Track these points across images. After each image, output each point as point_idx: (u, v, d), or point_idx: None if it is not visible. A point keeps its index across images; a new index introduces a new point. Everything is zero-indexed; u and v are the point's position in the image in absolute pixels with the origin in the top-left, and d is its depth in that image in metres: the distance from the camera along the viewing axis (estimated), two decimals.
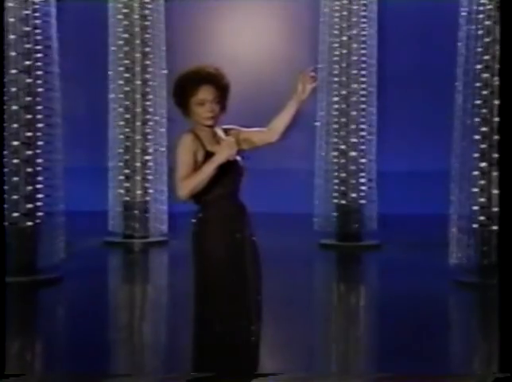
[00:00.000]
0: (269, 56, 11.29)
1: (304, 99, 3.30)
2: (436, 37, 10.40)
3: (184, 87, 3.25)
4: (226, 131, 3.36)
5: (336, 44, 8.66)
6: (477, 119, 6.49)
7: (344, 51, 8.63)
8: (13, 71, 6.55)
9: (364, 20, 8.63)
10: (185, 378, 3.13)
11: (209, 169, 3.15)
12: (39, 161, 6.67)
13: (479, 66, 6.50)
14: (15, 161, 6.54)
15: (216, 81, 3.26)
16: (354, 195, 8.59)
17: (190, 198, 3.21)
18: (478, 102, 6.48)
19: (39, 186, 6.65)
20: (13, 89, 6.53)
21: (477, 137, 6.50)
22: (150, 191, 8.72)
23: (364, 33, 8.63)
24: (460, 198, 6.63)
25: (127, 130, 8.72)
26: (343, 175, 8.64)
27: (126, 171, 8.70)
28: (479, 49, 6.48)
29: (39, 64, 6.66)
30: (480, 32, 6.49)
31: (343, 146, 8.67)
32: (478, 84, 6.49)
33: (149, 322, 5.82)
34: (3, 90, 6.25)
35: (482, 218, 6.47)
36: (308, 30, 10.42)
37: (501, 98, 5.81)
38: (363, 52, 8.65)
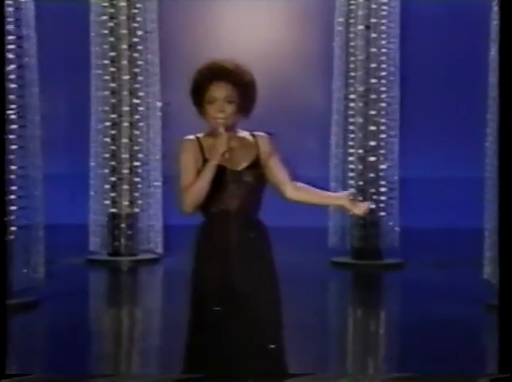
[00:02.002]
0: (276, 51, 11.26)
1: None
2: (465, 36, 10.38)
3: (196, 83, 3.28)
4: (253, 137, 3.33)
5: (352, 35, 8.55)
6: None
7: (361, 42, 8.53)
8: None
9: (384, 7, 8.55)
10: (176, 379, 3.23)
11: (205, 175, 3.17)
12: (12, 167, 6.57)
13: None
14: None
15: (232, 77, 3.24)
16: (372, 206, 8.49)
17: (195, 210, 3.24)
18: None
19: (12, 197, 6.54)
20: None
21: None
22: (139, 202, 8.67)
23: (384, 21, 8.53)
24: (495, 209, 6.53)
25: (113, 132, 8.65)
26: (361, 183, 8.55)
27: (112, 179, 8.64)
28: None
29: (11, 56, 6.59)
30: None
31: (360, 151, 8.56)
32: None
33: (136, 354, 5.74)
34: (3, 89, 6.18)
35: None
36: (319, 19, 10.38)
37: (501, 98, 5.75)
38: (383, 43, 8.55)
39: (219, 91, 3.23)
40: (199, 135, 3.32)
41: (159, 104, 8.71)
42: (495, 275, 6.50)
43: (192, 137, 3.31)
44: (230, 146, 3.21)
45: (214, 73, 3.24)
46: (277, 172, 3.34)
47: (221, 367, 3.21)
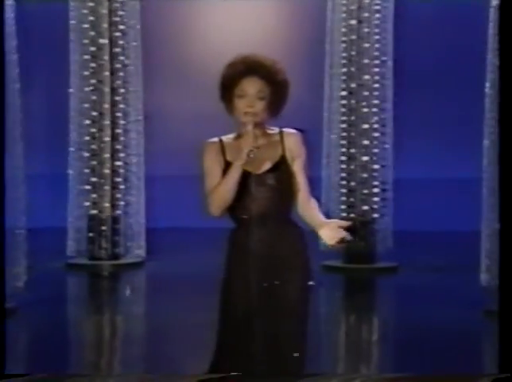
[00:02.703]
0: (263, 47, 11.23)
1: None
2: (462, 33, 10.39)
3: (227, 77, 3.27)
4: (281, 134, 3.31)
5: (344, 29, 8.51)
6: None
7: (353, 36, 8.48)
8: None
9: (378, 1, 8.52)
10: (198, 378, 3.29)
11: (231, 177, 3.19)
12: None
13: None
14: None
15: (265, 73, 3.23)
16: (365, 207, 8.46)
17: (223, 213, 3.27)
18: None
19: None
20: None
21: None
22: (121, 203, 8.62)
23: (378, 15, 8.50)
24: (494, 211, 6.52)
25: (94, 130, 8.58)
26: (353, 184, 8.50)
27: (93, 180, 8.56)
28: None
29: None
30: None
31: (352, 150, 8.51)
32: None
33: (117, 362, 5.71)
34: (3, 90, 6.13)
35: None
36: (309, 14, 10.37)
37: (501, 98, 5.75)
38: (376, 37, 8.52)
39: (252, 86, 3.22)
40: (224, 137, 3.33)
41: (140, 118, 8.67)
42: (493, 282, 6.49)
43: (215, 139, 3.33)
44: (257, 145, 3.20)
45: (248, 67, 3.23)
46: (297, 179, 3.30)
47: (243, 366, 3.24)
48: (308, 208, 3.30)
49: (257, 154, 3.22)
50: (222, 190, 3.22)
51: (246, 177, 3.23)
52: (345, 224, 3.24)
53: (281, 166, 3.28)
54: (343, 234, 3.17)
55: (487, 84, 6.69)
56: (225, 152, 3.29)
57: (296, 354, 3.25)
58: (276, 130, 3.34)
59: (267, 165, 3.27)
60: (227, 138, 3.34)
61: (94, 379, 4.12)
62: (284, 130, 3.33)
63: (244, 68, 3.24)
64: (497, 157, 6.57)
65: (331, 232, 3.19)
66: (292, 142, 3.31)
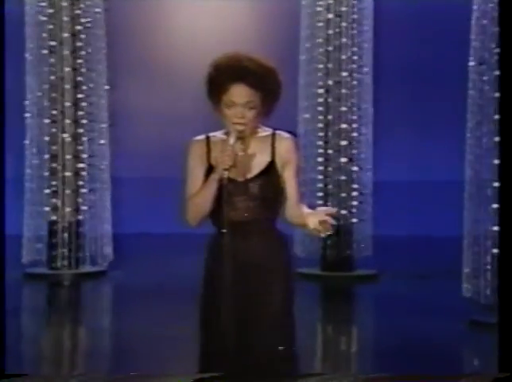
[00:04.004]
0: (233, 42, 11.27)
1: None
2: (444, 30, 10.48)
3: (214, 81, 3.21)
4: (273, 137, 3.26)
5: (321, 24, 8.53)
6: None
7: (331, 31, 8.51)
8: None
9: None
10: (192, 377, 3.34)
11: (208, 187, 3.17)
12: None
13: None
14: None
15: (254, 80, 3.16)
16: (343, 212, 8.48)
17: (199, 223, 3.24)
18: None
19: None
20: None
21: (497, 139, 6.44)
22: (84, 208, 8.57)
23: (356, 9, 8.54)
24: (476, 215, 6.56)
25: (54, 130, 8.55)
26: (330, 187, 8.52)
27: (53, 183, 8.54)
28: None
29: None
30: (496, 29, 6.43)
31: (329, 151, 8.53)
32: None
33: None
34: (3, 91, 6.09)
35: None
36: (283, 9, 10.41)
37: (501, 97, 5.82)
38: (354, 32, 8.55)
39: (240, 96, 3.16)
40: (211, 135, 3.29)
41: (105, 123, 8.66)
42: (474, 292, 6.54)
43: (201, 137, 3.28)
44: (239, 157, 3.17)
45: (234, 73, 3.16)
46: (287, 186, 3.26)
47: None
48: (296, 216, 3.26)
49: (244, 161, 3.20)
50: (198, 201, 3.20)
51: (228, 183, 3.19)
52: (331, 210, 3.25)
53: (268, 173, 3.24)
54: (327, 218, 3.18)
55: (470, 84, 6.76)
56: (210, 153, 3.25)
57: (281, 347, 3.26)
58: (268, 131, 3.28)
59: (252, 172, 3.24)
60: (216, 136, 3.28)
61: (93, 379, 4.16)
62: (277, 133, 3.28)
63: (231, 74, 3.17)
64: (476, 157, 6.66)
65: (315, 217, 3.18)
66: (284, 148, 3.26)
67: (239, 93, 3.16)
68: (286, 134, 3.28)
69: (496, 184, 6.44)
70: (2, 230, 5.68)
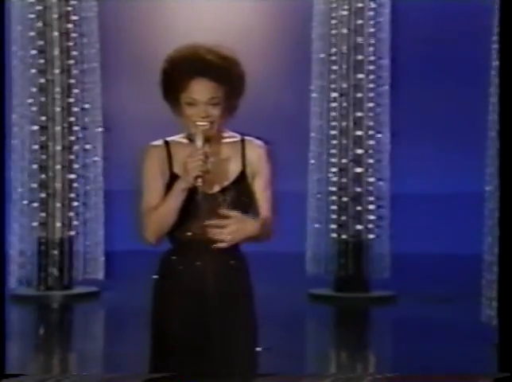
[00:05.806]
0: (242, 43, 11.33)
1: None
2: (467, 29, 10.51)
3: (170, 78, 3.12)
4: (242, 143, 3.19)
5: (334, 21, 8.57)
6: None
7: (345, 30, 8.54)
8: None
9: None
10: (142, 378, 3.32)
11: (172, 200, 3.07)
12: None
13: None
14: None
15: (216, 73, 3.09)
16: (359, 227, 8.48)
17: (159, 241, 3.17)
18: None
19: None
20: None
21: None
22: (75, 223, 8.58)
23: (373, 6, 8.58)
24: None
25: (43, 138, 8.60)
26: (345, 200, 8.53)
27: (42, 196, 8.57)
28: None
29: None
30: None
31: (343, 160, 8.55)
32: None
33: None
34: (3, 92, 6.15)
35: None
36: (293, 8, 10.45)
37: (501, 98, 5.85)
38: (371, 30, 8.59)
39: (202, 93, 3.08)
40: (170, 139, 3.20)
41: (100, 130, 8.71)
42: (494, 317, 6.54)
43: (159, 142, 3.19)
44: (208, 167, 3.07)
45: (193, 67, 3.09)
46: (257, 200, 3.19)
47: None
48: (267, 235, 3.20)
49: (212, 168, 3.10)
50: (160, 214, 3.10)
51: (194, 196, 3.10)
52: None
53: (239, 185, 3.17)
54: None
55: (491, 89, 6.78)
56: (172, 160, 3.16)
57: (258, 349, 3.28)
58: (237, 137, 3.21)
59: (222, 183, 3.15)
60: (175, 140, 3.19)
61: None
62: (246, 139, 3.21)
63: (190, 68, 3.09)
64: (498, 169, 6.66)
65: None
66: (255, 156, 3.20)
67: (201, 89, 3.08)
68: (258, 141, 3.22)
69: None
70: (3, 231, 5.71)
